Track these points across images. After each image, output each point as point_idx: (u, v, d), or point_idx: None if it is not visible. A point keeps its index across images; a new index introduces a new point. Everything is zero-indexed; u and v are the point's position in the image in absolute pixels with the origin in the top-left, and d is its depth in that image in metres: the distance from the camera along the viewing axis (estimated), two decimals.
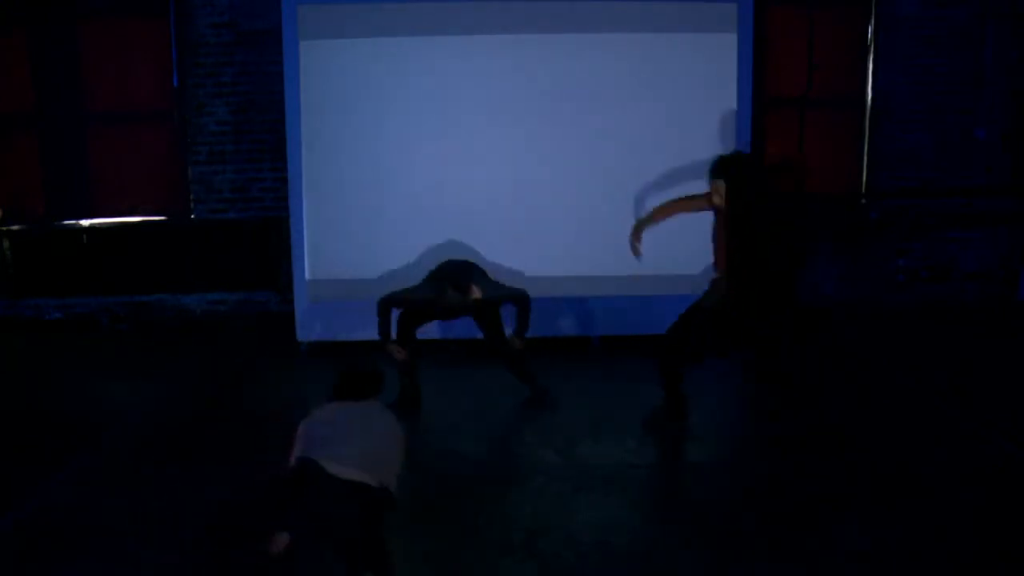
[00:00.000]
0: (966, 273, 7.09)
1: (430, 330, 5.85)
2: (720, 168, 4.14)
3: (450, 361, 5.71)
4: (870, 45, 6.76)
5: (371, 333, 5.80)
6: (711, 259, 4.30)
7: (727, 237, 4.11)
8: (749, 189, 4.08)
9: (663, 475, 3.82)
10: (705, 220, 5.71)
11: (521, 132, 5.67)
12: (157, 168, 6.72)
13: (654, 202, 5.45)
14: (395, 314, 4.64)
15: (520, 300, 4.58)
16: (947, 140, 6.90)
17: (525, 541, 3.20)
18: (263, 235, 6.59)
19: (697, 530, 3.31)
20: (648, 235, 5.49)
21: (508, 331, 4.72)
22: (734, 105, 5.66)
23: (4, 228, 6.70)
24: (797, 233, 4.33)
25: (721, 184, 4.09)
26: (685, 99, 5.66)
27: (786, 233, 4.23)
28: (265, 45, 6.41)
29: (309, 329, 5.82)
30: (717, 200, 4.11)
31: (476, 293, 4.47)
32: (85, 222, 6.68)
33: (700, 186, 5.64)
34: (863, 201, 6.95)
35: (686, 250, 5.79)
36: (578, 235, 5.74)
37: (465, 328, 5.84)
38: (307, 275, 5.76)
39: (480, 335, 5.82)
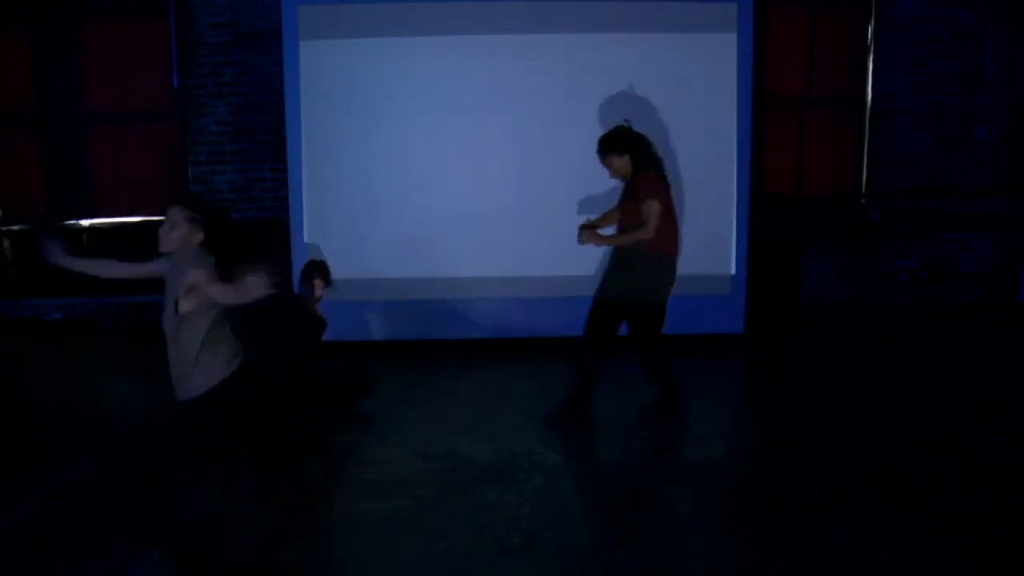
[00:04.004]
0: (966, 273, 7.09)
1: (430, 329, 5.88)
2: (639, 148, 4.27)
3: (450, 361, 5.72)
4: (870, 45, 6.76)
5: (371, 333, 5.84)
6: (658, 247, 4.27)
7: (666, 216, 4.20)
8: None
9: (663, 475, 3.82)
10: (704, 220, 5.76)
11: (521, 132, 5.67)
12: (157, 168, 6.73)
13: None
14: None
15: None
16: (947, 140, 6.91)
17: (525, 541, 3.20)
18: (263, 235, 6.59)
19: (697, 530, 3.31)
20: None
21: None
22: (734, 105, 5.66)
23: (4, 228, 6.71)
24: None
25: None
26: (685, 99, 5.65)
27: None
28: (265, 45, 6.41)
29: None
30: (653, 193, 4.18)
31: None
32: (85, 222, 6.69)
33: (701, 182, 5.70)
34: (863, 201, 6.96)
35: (686, 250, 5.79)
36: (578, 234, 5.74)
37: (465, 328, 5.87)
38: None
39: (479, 335, 5.84)
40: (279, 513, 3.47)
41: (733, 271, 5.79)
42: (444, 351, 5.84)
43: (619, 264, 4.28)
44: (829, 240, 6.96)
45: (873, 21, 6.73)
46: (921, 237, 7.01)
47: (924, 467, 3.83)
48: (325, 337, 5.25)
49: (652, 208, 4.12)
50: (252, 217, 6.65)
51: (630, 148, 4.20)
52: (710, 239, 5.76)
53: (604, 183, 5.81)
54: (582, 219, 4.52)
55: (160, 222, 3.04)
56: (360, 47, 5.62)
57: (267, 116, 6.49)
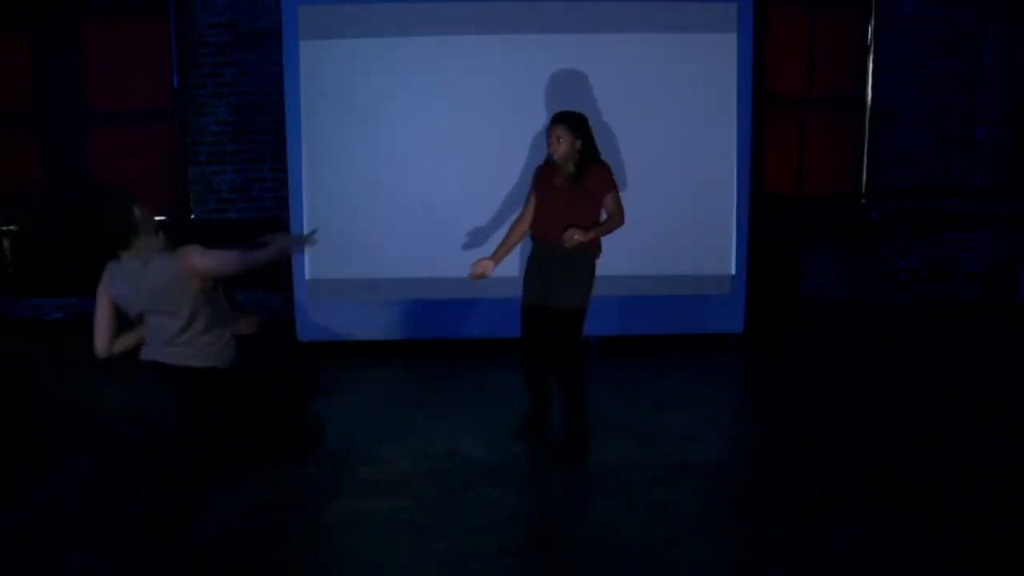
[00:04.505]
0: (966, 273, 7.09)
1: (430, 329, 5.88)
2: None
3: (450, 361, 5.72)
4: (870, 45, 6.76)
5: (371, 333, 5.84)
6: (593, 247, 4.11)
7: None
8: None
9: (662, 475, 3.82)
10: (704, 220, 5.76)
11: (521, 132, 5.66)
12: (157, 168, 6.72)
13: (654, 201, 5.49)
14: None
15: None
16: (947, 140, 6.91)
17: (525, 541, 3.20)
18: (263, 235, 6.58)
19: (697, 530, 3.31)
20: (650, 236, 5.53)
21: None
22: (734, 105, 5.66)
23: (4, 228, 6.71)
24: None
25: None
26: (685, 99, 5.65)
27: None
28: (265, 45, 6.41)
29: (309, 329, 5.81)
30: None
31: None
32: None
33: (701, 182, 5.70)
34: (863, 201, 6.96)
35: (686, 250, 5.80)
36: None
37: (465, 328, 5.87)
38: (307, 275, 5.76)
39: (479, 334, 5.84)
40: (279, 513, 3.48)
41: (733, 271, 5.79)
42: (444, 351, 5.84)
43: (565, 264, 4.03)
44: (829, 240, 6.96)
45: (873, 21, 6.73)
46: (921, 237, 7.01)
47: (924, 467, 3.83)
48: (325, 337, 5.29)
49: (618, 199, 4.06)
50: (252, 217, 6.66)
51: (584, 135, 4.14)
52: (710, 239, 5.76)
53: None
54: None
55: (161, 221, 3.07)
56: (360, 47, 5.62)
57: (267, 116, 6.49)
